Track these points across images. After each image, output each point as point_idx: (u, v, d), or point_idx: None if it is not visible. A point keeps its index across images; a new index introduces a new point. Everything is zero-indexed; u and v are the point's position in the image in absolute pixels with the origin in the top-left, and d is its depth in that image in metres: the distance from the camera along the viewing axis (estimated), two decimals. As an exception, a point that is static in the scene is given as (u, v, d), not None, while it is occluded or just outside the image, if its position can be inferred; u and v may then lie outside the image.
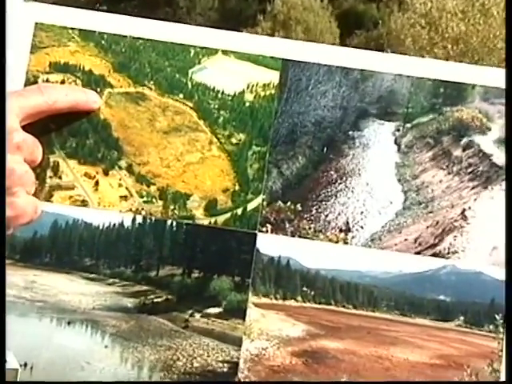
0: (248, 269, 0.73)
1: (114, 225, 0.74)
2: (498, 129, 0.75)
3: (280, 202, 0.74)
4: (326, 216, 0.74)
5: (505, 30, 0.67)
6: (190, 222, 0.74)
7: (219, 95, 0.76)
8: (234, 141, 0.76)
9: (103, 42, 0.77)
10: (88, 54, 0.77)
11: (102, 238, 0.74)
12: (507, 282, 0.66)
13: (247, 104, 0.76)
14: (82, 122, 0.74)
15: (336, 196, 0.75)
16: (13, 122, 0.62)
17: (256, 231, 0.73)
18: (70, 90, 0.70)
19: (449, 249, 0.72)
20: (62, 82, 0.76)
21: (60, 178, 0.74)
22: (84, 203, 0.74)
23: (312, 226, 0.74)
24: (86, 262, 0.75)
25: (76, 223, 0.75)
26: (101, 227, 0.74)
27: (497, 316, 0.70)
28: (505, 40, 0.68)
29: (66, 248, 0.76)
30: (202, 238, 0.74)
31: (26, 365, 0.69)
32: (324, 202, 0.75)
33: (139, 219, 0.75)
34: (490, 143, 0.74)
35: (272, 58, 0.75)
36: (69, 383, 0.70)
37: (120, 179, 0.75)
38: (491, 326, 0.71)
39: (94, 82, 0.76)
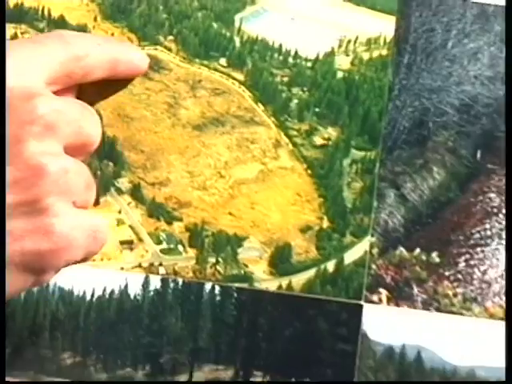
0: (349, 367, 0.56)
1: (112, 293, 0.58)
2: None
3: (402, 249, 0.57)
4: (484, 273, 0.57)
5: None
6: (245, 285, 0.58)
7: (290, 60, 0.59)
8: (318, 141, 0.59)
9: (84, -31, 0.63)
10: (58, -9, 0.63)
11: (92, 316, 0.58)
12: (507, 283, 0.57)
13: (340, 75, 0.58)
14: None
15: (500, 238, 0.57)
16: (36, 80, 0.40)
17: (361, 301, 0.57)
18: (100, 39, 0.49)
19: None
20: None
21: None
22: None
23: (460, 291, 0.56)
24: (65, 360, 0.59)
25: (45, 290, 0.59)
26: (88, 297, 0.58)
27: None
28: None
29: (29, 333, 0.59)
30: (267, 315, 0.57)
31: None
32: (480, 249, 0.57)
33: (155, 282, 0.58)
34: None
35: (384, -7, 0.60)
36: (72, 382, 0.59)
37: (119, 211, 0.59)
38: None
39: (68, 38, 0.59)
